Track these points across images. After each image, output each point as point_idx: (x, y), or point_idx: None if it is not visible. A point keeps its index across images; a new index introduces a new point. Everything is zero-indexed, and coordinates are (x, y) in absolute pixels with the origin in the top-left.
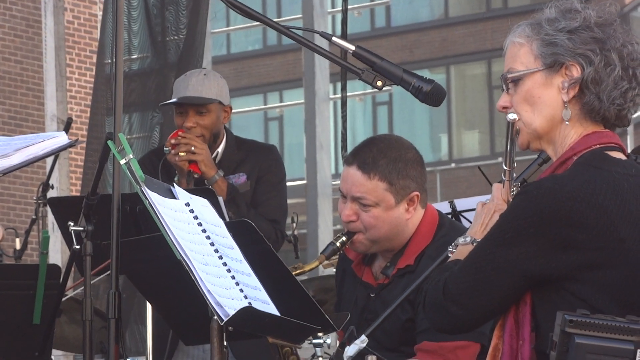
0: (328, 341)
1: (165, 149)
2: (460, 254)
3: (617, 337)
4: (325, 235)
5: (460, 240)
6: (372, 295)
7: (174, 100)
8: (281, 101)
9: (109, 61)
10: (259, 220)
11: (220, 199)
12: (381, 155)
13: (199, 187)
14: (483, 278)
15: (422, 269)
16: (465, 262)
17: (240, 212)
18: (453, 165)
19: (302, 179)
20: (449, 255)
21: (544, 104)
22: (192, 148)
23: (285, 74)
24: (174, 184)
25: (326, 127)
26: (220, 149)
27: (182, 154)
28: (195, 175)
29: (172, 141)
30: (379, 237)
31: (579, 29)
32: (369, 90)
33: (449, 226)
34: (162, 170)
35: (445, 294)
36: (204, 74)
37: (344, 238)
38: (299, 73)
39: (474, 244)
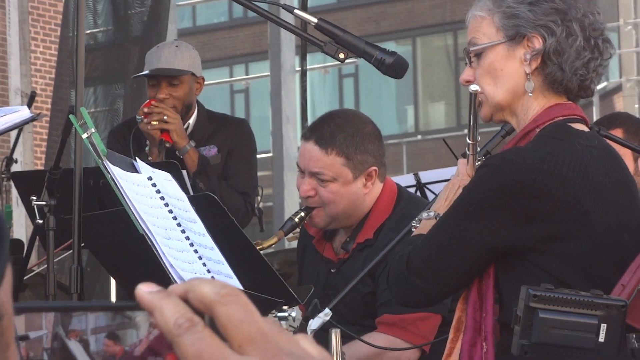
0: (293, 314)
1: (137, 117)
2: (424, 228)
3: (581, 312)
4: (291, 208)
5: (424, 215)
6: (332, 271)
7: (146, 72)
8: (247, 74)
9: (73, 34)
10: (230, 192)
11: (185, 172)
12: (339, 130)
13: (162, 161)
14: (446, 251)
15: (381, 242)
16: (428, 235)
17: (211, 184)
18: (419, 137)
19: (268, 152)
20: (413, 230)
21: (506, 76)
22: (165, 117)
23: (251, 47)
24: (136, 158)
25: (292, 99)
26: (191, 121)
27: (154, 122)
28: (167, 145)
29: (145, 110)
30: (338, 212)
31: (540, 0)
32: (335, 62)
33: (408, 199)
34: (133, 140)
35: (409, 268)
36: (176, 46)
37: (302, 214)
38: (265, 45)
39: (437, 219)
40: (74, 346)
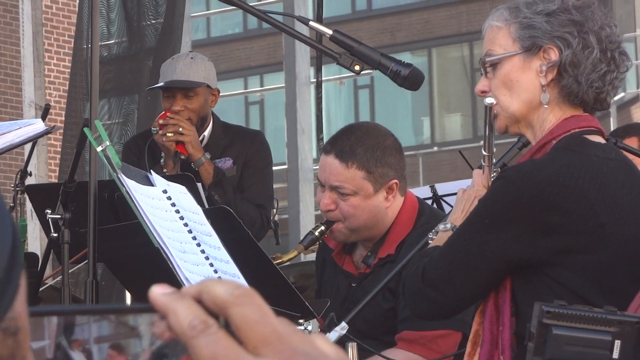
0: (309, 328)
1: (152, 129)
2: (441, 240)
3: (595, 328)
4: (306, 220)
5: (441, 226)
6: (353, 285)
7: (161, 84)
8: (262, 85)
9: (87, 46)
10: (246, 205)
11: (200, 185)
12: (359, 144)
13: (177, 174)
14: (462, 263)
15: (403, 257)
16: (444, 247)
17: (227, 196)
18: (435, 148)
19: (283, 164)
20: (429, 242)
21: (522, 88)
22: (180, 129)
23: (266, 58)
24: (151, 170)
25: (307, 111)
26: (206, 133)
27: (169, 134)
28: (182, 157)
29: (160, 121)
30: (358, 226)
31: (556, 11)
32: (350, 74)
33: (430, 213)
34: (148, 152)
35: (424, 279)
36: (191, 57)
37: (322, 227)
38: (280, 57)
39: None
40: (77, 356)
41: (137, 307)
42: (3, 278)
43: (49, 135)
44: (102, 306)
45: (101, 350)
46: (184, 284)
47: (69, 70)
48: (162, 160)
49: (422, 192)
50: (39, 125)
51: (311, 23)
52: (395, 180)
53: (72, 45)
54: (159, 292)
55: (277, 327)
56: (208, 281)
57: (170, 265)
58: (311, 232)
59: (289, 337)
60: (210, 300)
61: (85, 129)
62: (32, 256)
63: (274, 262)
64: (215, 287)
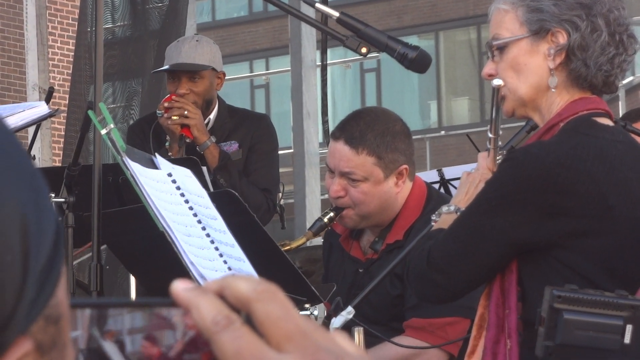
0: (315, 312)
1: (157, 112)
2: (444, 222)
3: (606, 313)
4: (312, 204)
5: (444, 209)
6: (360, 271)
7: (166, 67)
8: (267, 69)
9: (90, 29)
10: (251, 189)
11: (205, 168)
12: (369, 129)
13: (182, 157)
14: (468, 246)
15: (411, 243)
16: (449, 230)
17: (232, 180)
18: (442, 132)
19: (289, 148)
20: (433, 224)
21: (529, 72)
22: (185, 112)
23: (272, 41)
24: (156, 154)
25: (313, 95)
26: (212, 116)
27: (174, 117)
28: (187, 140)
29: (166, 104)
30: (369, 212)
31: None
32: (356, 57)
33: (438, 199)
34: (153, 135)
35: (429, 262)
36: (197, 40)
37: (331, 214)
38: (286, 40)
39: (458, 213)
40: (110, 347)
41: (159, 301)
42: (46, 264)
43: (53, 119)
44: (122, 300)
45: (134, 341)
46: (188, 268)
47: (73, 53)
48: (167, 144)
49: (430, 176)
50: (42, 108)
51: (317, 5)
52: (405, 166)
53: (76, 28)
54: (181, 287)
55: (300, 323)
56: (230, 277)
57: (175, 249)
58: (320, 219)
59: (312, 333)
60: (232, 295)
61: (90, 112)
62: None
63: (282, 249)
64: (237, 283)
